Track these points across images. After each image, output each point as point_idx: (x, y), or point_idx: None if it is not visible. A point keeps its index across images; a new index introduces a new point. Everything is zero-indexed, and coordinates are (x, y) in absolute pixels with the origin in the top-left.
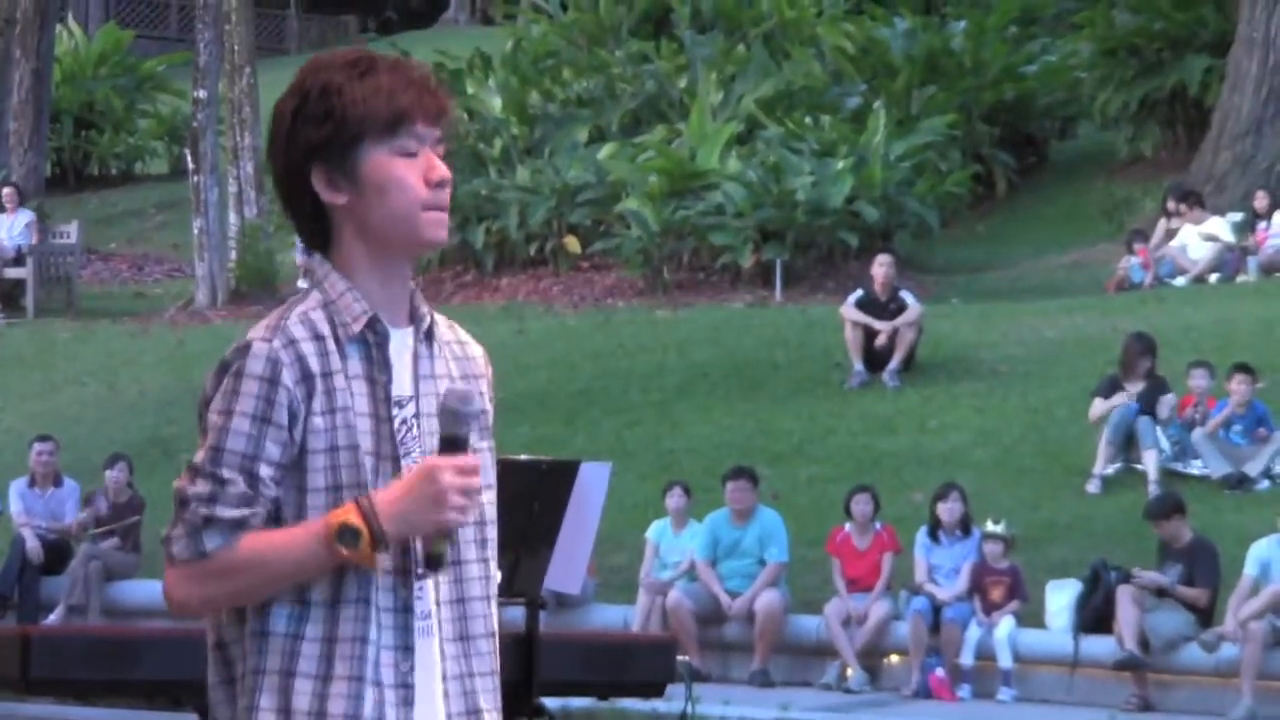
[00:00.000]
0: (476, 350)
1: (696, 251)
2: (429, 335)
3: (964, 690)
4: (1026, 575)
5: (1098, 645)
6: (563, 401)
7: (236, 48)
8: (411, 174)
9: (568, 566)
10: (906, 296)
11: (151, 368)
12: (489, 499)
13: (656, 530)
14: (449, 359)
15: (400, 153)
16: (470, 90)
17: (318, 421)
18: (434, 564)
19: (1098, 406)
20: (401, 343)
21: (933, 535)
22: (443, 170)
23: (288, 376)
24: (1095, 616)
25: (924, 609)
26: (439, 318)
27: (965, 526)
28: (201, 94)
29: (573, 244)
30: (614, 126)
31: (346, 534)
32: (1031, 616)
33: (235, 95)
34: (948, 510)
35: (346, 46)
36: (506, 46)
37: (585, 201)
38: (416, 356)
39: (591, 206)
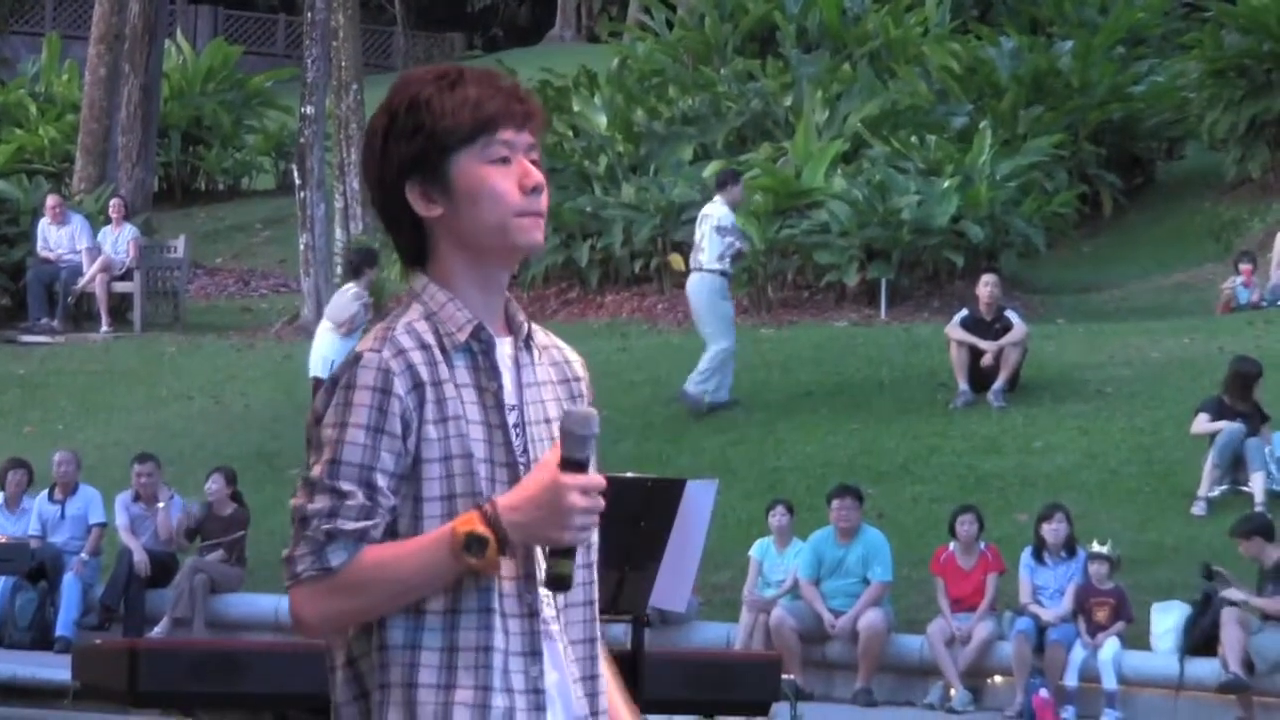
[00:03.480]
0: (573, 355)
1: (801, 270)
2: (528, 342)
3: (1068, 712)
4: (1131, 597)
5: (1202, 667)
6: (666, 419)
7: (344, 64)
8: (504, 181)
9: (673, 584)
10: (1012, 316)
11: (257, 382)
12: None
13: (760, 548)
14: (548, 365)
15: (491, 160)
16: (576, 108)
17: (430, 430)
18: (558, 584)
19: (1200, 423)
20: (503, 351)
21: (1037, 556)
22: (536, 176)
23: (399, 385)
24: (1203, 638)
25: (1028, 630)
26: (535, 325)
27: (1070, 547)
28: (308, 110)
29: (677, 261)
30: (719, 144)
31: (473, 543)
32: (1136, 638)
33: (342, 111)
34: (1052, 531)
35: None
36: (612, 64)
37: (690, 219)
38: (519, 364)
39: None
